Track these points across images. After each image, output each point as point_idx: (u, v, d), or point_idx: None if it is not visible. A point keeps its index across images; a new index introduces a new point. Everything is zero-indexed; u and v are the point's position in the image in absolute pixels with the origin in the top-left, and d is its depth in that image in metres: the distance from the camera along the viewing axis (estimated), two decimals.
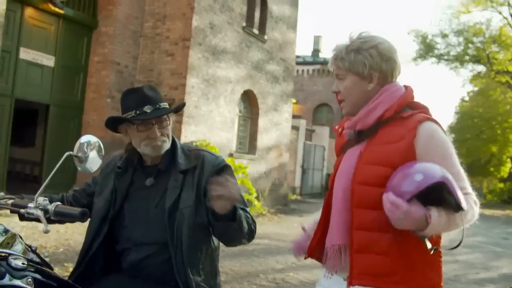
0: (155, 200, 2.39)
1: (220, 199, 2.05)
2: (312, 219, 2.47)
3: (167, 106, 2.41)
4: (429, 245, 1.91)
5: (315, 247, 2.22)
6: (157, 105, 2.36)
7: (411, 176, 1.84)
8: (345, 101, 2.15)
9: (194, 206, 2.34)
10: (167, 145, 2.42)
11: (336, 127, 2.35)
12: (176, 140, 2.51)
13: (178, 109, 2.51)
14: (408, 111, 2.07)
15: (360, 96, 2.11)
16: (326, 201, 2.20)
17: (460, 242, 1.92)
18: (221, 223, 2.18)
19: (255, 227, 2.38)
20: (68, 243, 7.73)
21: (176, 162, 2.42)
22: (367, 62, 2.06)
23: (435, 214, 1.83)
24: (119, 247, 2.42)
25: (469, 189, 1.99)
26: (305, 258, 2.35)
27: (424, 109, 2.11)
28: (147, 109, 2.33)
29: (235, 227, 2.19)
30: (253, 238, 2.39)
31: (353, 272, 2.00)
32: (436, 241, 2.00)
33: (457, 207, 1.85)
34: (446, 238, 2.00)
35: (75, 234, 8.30)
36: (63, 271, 5.88)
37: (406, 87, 2.15)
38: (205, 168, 2.41)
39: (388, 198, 1.82)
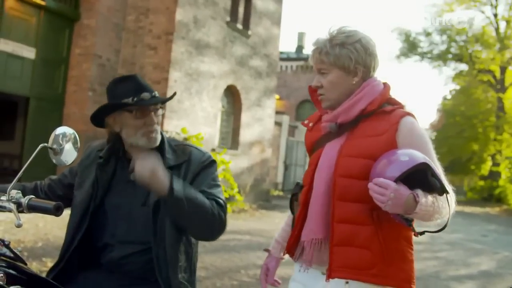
0: (140, 197, 2.32)
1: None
2: (276, 238, 2.45)
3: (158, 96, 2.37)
4: (416, 229, 1.96)
5: (294, 244, 2.22)
6: (153, 93, 2.31)
7: (396, 160, 1.88)
8: (327, 95, 2.14)
9: None
10: (159, 137, 2.35)
11: (306, 121, 2.35)
12: (163, 133, 2.43)
13: (171, 98, 2.49)
14: (389, 106, 2.12)
15: (343, 90, 2.12)
16: (304, 198, 2.18)
17: (446, 225, 1.95)
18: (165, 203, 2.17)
19: (223, 213, 2.27)
20: (47, 237, 7.61)
21: (164, 157, 2.32)
22: (353, 56, 2.08)
23: (422, 194, 1.85)
24: (101, 242, 2.35)
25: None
26: (283, 255, 2.37)
27: (401, 105, 2.16)
28: (145, 96, 2.26)
29: (181, 205, 2.13)
30: (224, 228, 2.29)
31: (333, 265, 2.01)
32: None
33: (442, 190, 1.89)
34: (431, 223, 2.01)
35: (54, 228, 8.20)
36: (41, 266, 5.80)
37: (384, 83, 2.19)
38: (191, 164, 2.35)
39: (376, 181, 1.84)
